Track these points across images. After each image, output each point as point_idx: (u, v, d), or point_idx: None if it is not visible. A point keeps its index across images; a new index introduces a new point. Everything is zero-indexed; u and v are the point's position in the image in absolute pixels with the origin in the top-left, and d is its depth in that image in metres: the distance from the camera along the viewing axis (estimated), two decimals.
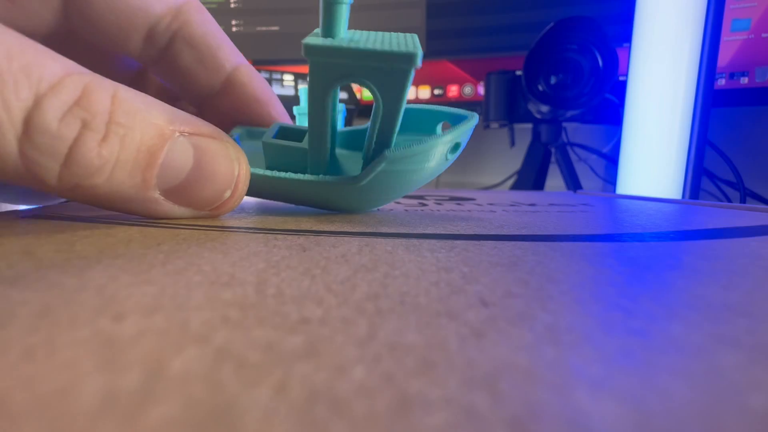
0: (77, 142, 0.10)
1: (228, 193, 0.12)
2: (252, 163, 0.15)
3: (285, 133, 0.15)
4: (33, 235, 0.10)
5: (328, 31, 0.11)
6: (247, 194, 0.14)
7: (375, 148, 0.13)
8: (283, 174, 0.14)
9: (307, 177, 0.14)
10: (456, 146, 0.14)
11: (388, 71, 0.11)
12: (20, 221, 0.12)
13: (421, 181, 0.15)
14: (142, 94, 0.11)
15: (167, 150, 0.11)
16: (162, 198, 0.11)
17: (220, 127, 0.16)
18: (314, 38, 0.11)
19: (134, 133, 0.10)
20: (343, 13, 0.11)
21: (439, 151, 0.14)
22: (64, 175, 0.10)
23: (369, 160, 0.14)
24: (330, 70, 0.11)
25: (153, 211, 0.12)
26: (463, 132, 0.14)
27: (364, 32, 0.12)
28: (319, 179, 0.14)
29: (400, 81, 0.11)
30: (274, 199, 0.16)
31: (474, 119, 0.14)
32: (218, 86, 0.17)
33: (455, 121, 0.15)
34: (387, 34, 0.12)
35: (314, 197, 0.15)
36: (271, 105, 0.17)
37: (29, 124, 0.09)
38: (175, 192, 0.12)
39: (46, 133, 0.09)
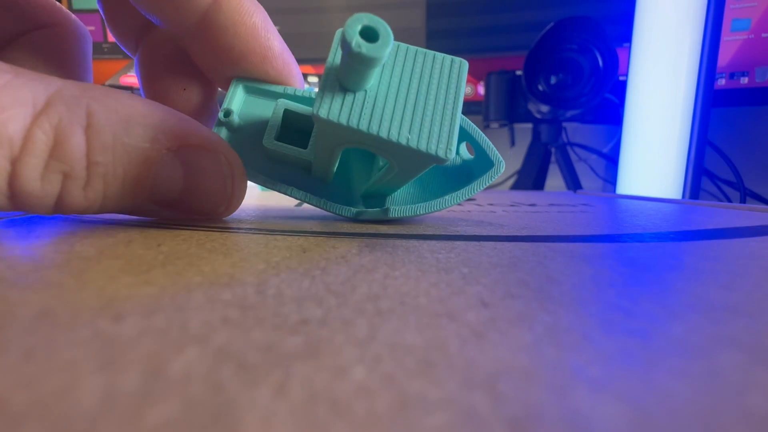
0: (62, 193, 0.09)
1: (222, 208, 0.12)
2: (251, 135, 0.14)
3: (290, 121, 0.14)
4: (33, 236, 0.10)
5: (351, 84, 0.09)
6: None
7: (379, 189, 0.13)
8: (285, 189, 0.14)
9: (308, 198, 0.14)
10: None
11: (410, 158, 0.10)
12: (20, 222, 0.12)
13: None
14: (120, 101, 0.10)
15: (155, 172, 0.10)
16: (158, 208, 0.11)
17: (215, 74, 0.14)
18: (328, 100, 0.09)
19: (116, 169, 0.10)
20: (373, 73, 0.09)
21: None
22: (57, 211, 0.10)
23: (372, 194, 0.14)
24: (344, 138, 0.10)
25: (152, 216, 0.12)
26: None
27: (400, 53, 0.10)
28: (319, 204, 0.14)
29: (420, 166, 0.10)
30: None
31: (499, 171, 0.13)
32: (192, 27, 0.13)
33: (479, 156, 0.14)
34: (429, 60, 0.10)
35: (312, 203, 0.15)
36: (268, 59, 0.13)
37: (14, 188, 0.09)
38: (170, 205, 0.11)
39: (31, 195, 0.09)
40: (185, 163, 0.11)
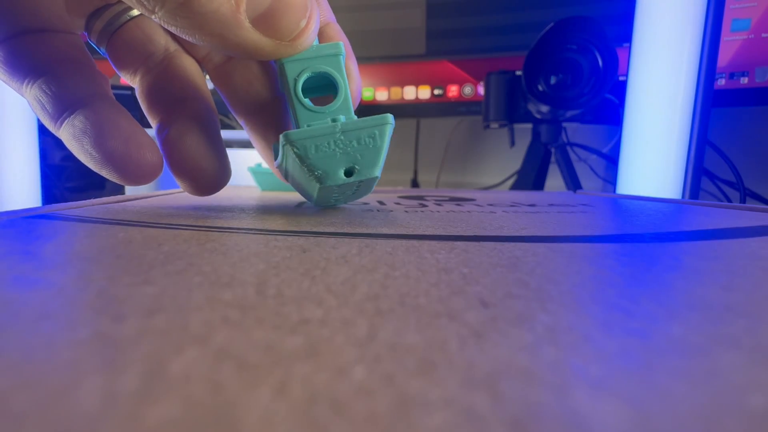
0: None
1: (303, 23, 0.14)
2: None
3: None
4: (34, 235, 0.10)
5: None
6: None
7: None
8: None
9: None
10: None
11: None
12: (21, 222, 0.12)
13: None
14: None
15: None
16: (250, 26, 0.13)
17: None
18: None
19: None
20: None
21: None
22: None
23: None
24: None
25: (243, 39, 0.13)
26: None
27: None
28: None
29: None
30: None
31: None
32: None
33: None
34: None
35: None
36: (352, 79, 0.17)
37: None
38: (260, 20, 0.13)
39: None
40: None
